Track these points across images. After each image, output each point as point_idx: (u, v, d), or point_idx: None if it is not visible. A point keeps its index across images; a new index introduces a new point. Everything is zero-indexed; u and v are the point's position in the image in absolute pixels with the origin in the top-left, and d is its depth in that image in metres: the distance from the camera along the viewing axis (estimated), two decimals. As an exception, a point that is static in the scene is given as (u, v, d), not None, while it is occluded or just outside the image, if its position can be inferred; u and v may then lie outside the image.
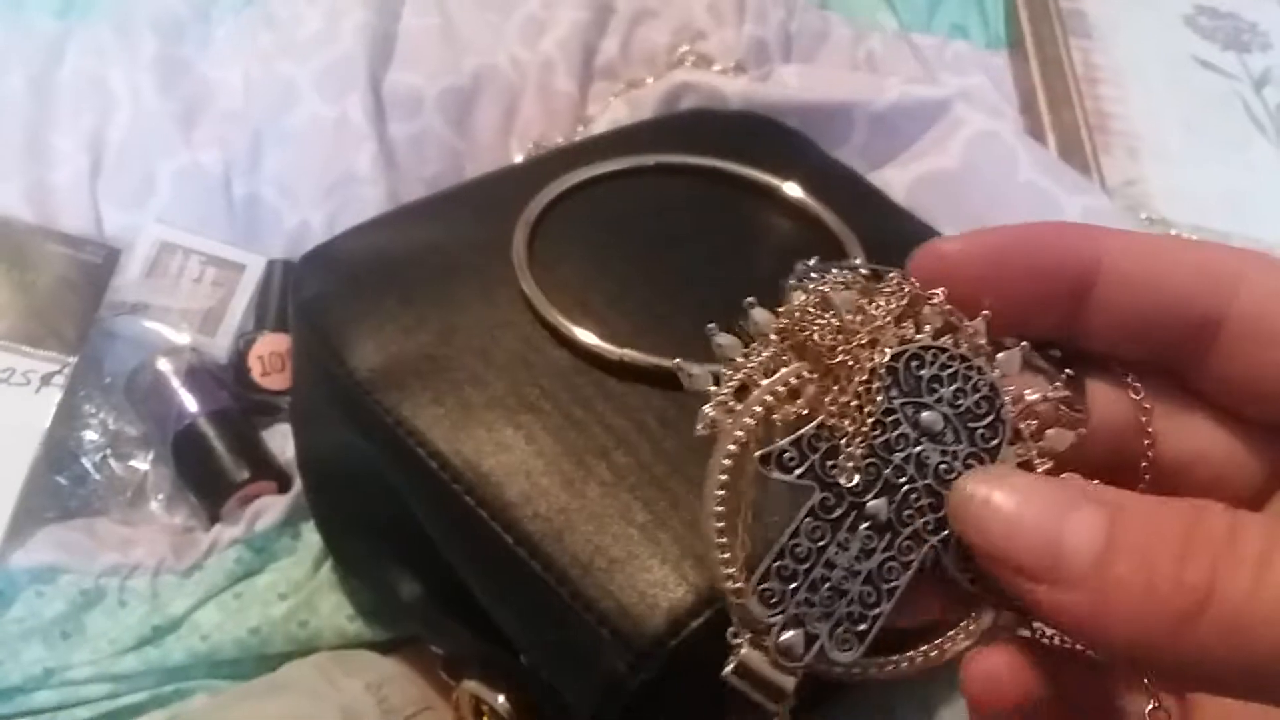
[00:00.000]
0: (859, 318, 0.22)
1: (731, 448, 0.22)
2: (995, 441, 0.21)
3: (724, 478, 0.22)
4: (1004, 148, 0.59)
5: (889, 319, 0.22)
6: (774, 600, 0.21)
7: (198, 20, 0.68)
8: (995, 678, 0.20)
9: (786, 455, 0.21)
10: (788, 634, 0.21)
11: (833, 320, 0.22)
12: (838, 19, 0.75)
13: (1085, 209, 0.57)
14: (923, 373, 0.22)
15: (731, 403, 0.22)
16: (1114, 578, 0.16)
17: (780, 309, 0.23)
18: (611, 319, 0.42)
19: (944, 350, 0.22)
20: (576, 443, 0.39)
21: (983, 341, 0.22)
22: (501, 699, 0.39)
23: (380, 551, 0.44)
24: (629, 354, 0.40)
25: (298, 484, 0.49)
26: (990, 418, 0.22)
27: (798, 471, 0.21)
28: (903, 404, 0.22)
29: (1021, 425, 0.22)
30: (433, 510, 0.39)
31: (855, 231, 0.47)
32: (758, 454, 0.21)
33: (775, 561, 0.21)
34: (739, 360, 0.22)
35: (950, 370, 0.22)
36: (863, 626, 0.21)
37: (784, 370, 0.22)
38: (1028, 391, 0.22)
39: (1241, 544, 0.16)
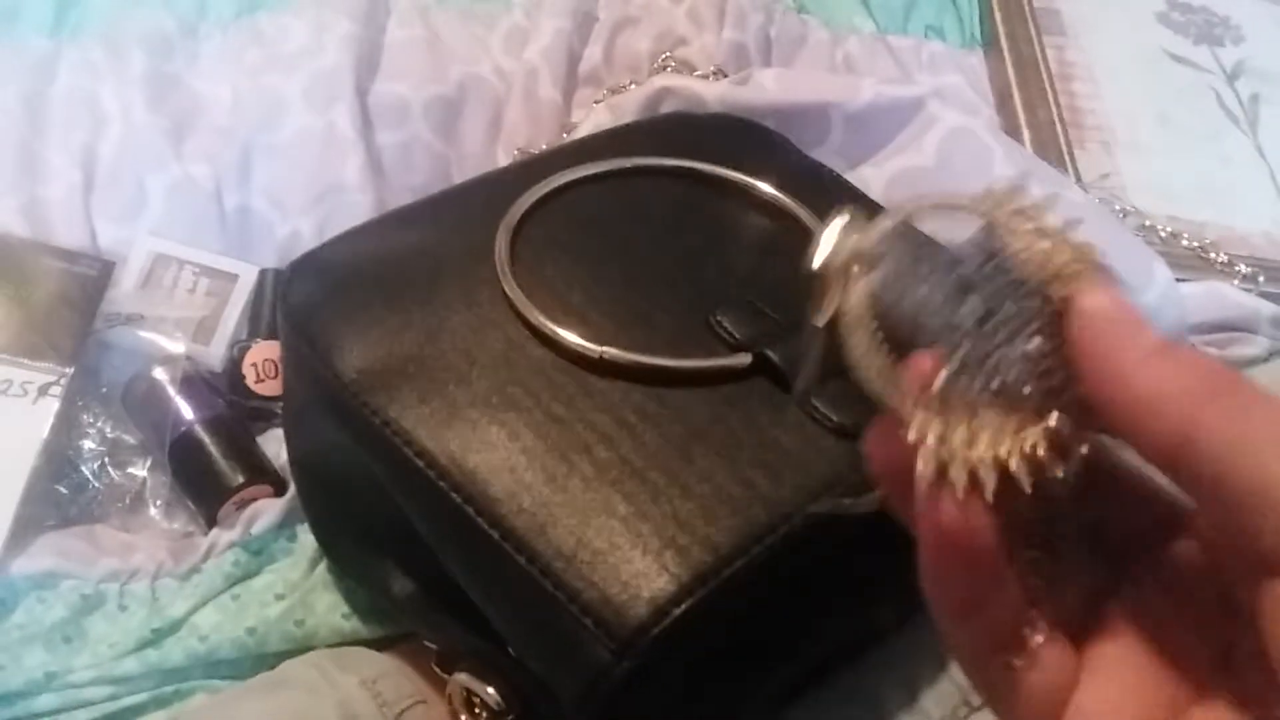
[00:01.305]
0: None
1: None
2: None
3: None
4: (978, 143, 0.60)
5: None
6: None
7: (186, 36, 0.69)
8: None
9: None
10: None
11: None
12: (815, 23, 0.76)
13: (1059, 203, 0.58)
14: None
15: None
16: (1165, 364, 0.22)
17: None
18: (592, 318, 0.43)
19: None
20: (559, 439, 0.40)
21: None
22: (491, 690, 0.40)
23: (372, 550, 0.45)
24: (609, 352, 0.41)
25: (293, 487, 0.50)
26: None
27: None
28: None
29: None
30: (421, 508, 0.40)
31: (830, 228, 0.48)
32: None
33: None
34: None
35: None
36: None
37: None
38: None
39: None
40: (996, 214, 0.24)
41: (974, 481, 0.22)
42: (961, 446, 0.23)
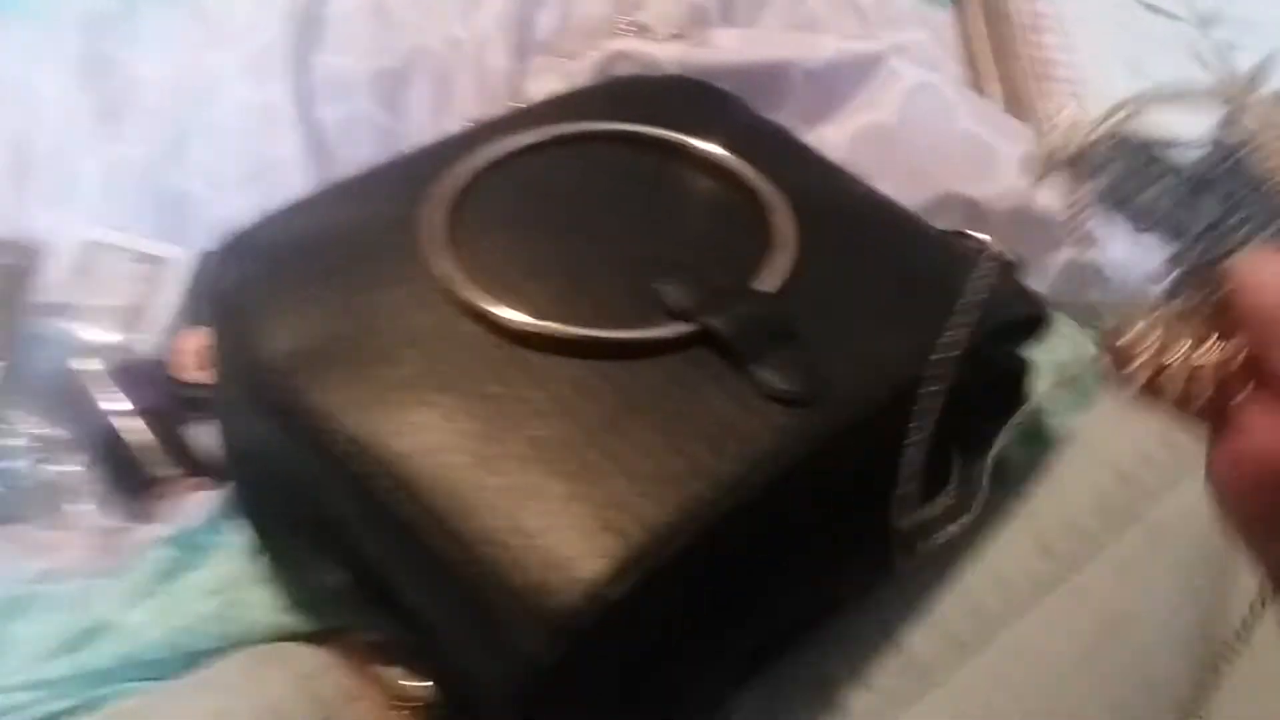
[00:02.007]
0: None
1: None
2: None
3: None
4: (940, 99, 0.58)
5: None
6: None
7: (125, 15, 0.66)
8: None
9: None
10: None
11: None
12: (778, -19, 0.74)
13: (1026, 157, 0.56)
14: None
15: None
16: None
17: None
18: (530, 291, 0.41)
19: None
20: (492, 418, 0.38)
21: None
22: (425, 684, 0.38)
23: (306, 542, 0.43)
24: (545, 325, 0.39)
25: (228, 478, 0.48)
26: None
27: None
28: None
29: None
30: (348, 495, 0.38)
31: (781, 189, 0.45)
32: None
33: None
34: None
35: None
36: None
37: None
38: None
39: None
40: (1245, 101, 0.23)
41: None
42: (1181, 356, 0.22)
